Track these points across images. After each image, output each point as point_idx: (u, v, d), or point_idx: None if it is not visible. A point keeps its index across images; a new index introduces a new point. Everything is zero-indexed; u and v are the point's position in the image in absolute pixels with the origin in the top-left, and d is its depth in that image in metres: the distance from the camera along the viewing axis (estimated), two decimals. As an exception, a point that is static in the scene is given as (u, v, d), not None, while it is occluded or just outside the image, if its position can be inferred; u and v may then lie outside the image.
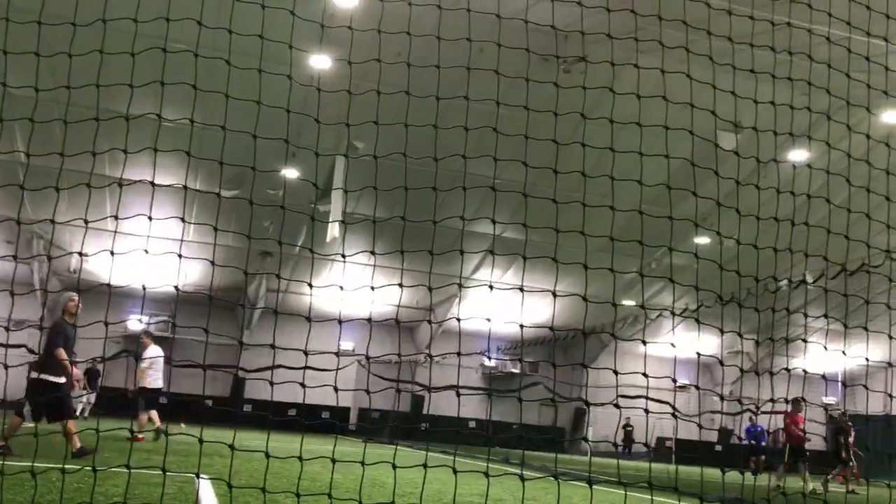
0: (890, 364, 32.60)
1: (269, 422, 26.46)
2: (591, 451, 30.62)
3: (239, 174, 20.38)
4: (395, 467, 5.18)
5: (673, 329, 32.37)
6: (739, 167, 10.04)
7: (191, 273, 28.81)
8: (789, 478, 15.69)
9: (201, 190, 21.49)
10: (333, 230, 21.30)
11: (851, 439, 17.92)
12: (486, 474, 5.02)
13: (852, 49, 8.28)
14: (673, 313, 29.15)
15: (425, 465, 5.21)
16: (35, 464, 4.64)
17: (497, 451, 21.69)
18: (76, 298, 10.14)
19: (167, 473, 4.82)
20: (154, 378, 14.73)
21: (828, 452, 17.46)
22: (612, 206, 6.29)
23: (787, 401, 18.29)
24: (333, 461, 4.98)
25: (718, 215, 8.19)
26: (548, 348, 33.82)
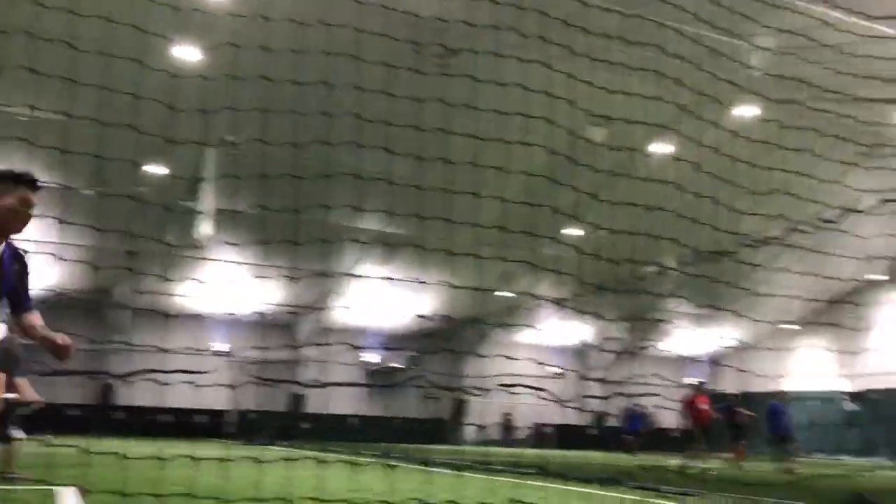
0: (751, 345, 34.60)
1: (140, 427, 25.35)
2: (469, 440, 31.06)
3: (102, 170, 19.33)
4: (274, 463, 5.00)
5: (547, 318, 33.23)
6: (607, 160, 10.30)
7: (53, 275, 27.17)
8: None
9: (59, 185, 20.29)
10: (205, 227, 20.58)
11: (743, 419, 18.64)
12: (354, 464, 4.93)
13: (713, 47, 8.67)
14: (547, 302, 29.92)
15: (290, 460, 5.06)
16: None
17: (379, 445, 21.60)
18: None
19: (27, 486, 4.48)
20: None
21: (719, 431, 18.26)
22: (477, 193, 6.32)
23: (691, 386, 19.11)
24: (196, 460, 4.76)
25: (591, 206, 8.38)
26: (429, 341, 33.99)
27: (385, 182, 5.22)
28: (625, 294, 25.17)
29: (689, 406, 17.70)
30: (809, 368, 32.55)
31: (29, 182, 3.84)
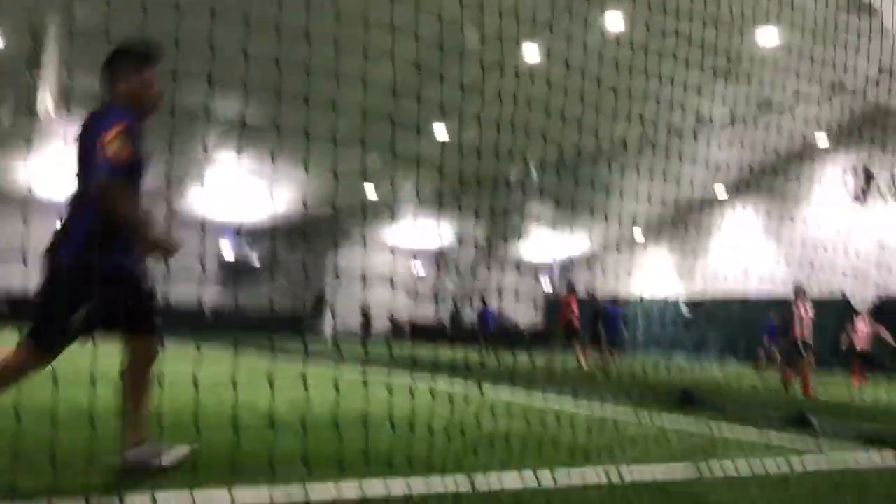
0: (602, 251, 36.09)
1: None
2: (327, 335, 31.26)
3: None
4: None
5: (409, 218, 33.40)
6: (480, 61, 10.16)
7: None
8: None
9: None
10: (47, 102, 19.03)
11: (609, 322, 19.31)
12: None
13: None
14: (410, 201, 30.04)
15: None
16: None
17: (243, 336, 21.32)
18: None
19: None
20: None
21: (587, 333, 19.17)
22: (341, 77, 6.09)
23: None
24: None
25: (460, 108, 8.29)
26: (292, 236, 33.51)
27: (243, 60, 4.86)
28: (485, 196, 25.56)
29: (565, 306, 18.53)
30: (655, 275, 34.58)
31: (146, 57, 3.74)
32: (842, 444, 6.28)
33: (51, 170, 25.94)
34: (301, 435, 4.13)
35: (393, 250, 33.96)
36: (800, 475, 4.83)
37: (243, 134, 22.89)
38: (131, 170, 3.42)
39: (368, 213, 31.86)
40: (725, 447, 5.74)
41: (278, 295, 32.88)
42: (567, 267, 39.58)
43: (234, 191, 28.51)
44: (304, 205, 28.91)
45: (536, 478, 4.00)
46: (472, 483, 3.80)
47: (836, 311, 26.77)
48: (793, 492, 4.34)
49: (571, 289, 19.79)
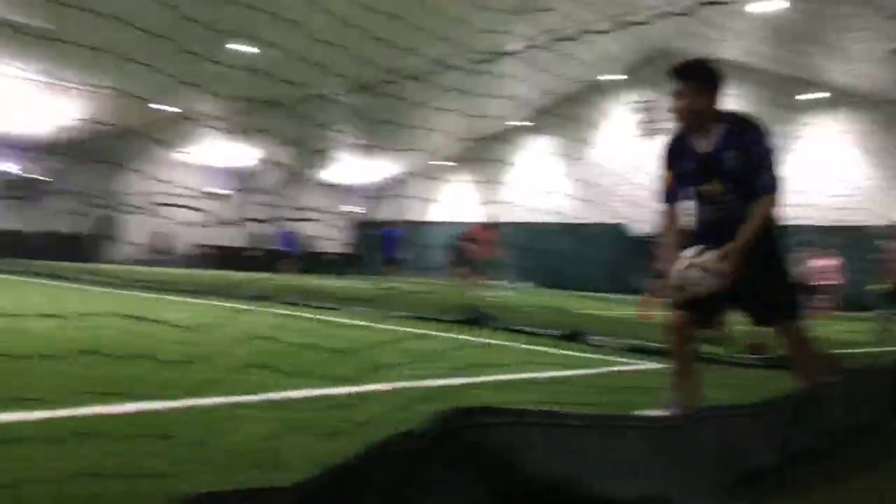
0: (408, 176, 36.65)
1: None
2: (116, 259, 29.69)
3: None
4: None
5: (212, 138, 32.06)
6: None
7: None
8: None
9: None
10: None
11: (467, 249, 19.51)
12: None
13: None
14: (211, 120, 28.79)
15: None
16: None
17: (18, 261, 19.80)
18: None
19: None
20: None
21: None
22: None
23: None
24: None
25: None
26: (76, 151, 31.08)
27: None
28: (291, 118, 25.02)
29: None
30: (457, 200, 35.62)
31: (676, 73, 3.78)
32: (610, 354, 6.99)
33: None
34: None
35: (196, 171, 32.57)
36: (567, 378, 5.36)
37: (23, 39, 20.74)
38: None
39: (169, 133, 30.17)
40: (500, 358, 6.21)
41: (64, 216, 30.63)
42: (379, 191, 39.82)
43: (15, 101, 26.03)
44: (90, 120, 26.88)
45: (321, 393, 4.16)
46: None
47: (613, 238, 29.10)
48: (558, 389, 4.81)
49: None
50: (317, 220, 32.03)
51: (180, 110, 27.96)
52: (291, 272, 24.40)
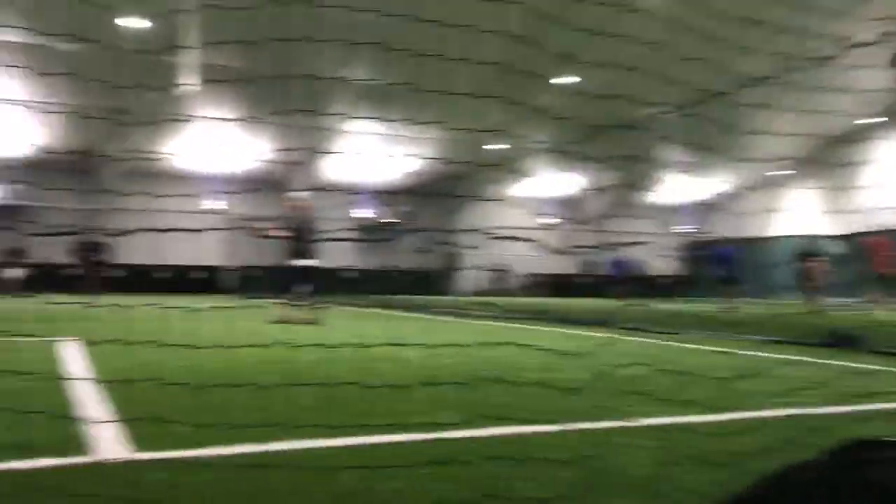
0: (743, 191, 34.69)
1: (139, 285, 25.81)
2: (462, 291, 31.73)
3: (81, 24, 18.58)
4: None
5: (539, 169, 33.15)
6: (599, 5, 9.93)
7: (37, 137, 26.73)
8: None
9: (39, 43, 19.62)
10: (188, 82, 20.08)
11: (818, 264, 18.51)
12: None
13: None
14: (540, 151, 29.79)
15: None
16: None
17: (376, 297, 22.08)
18: None
19: (28, 339, 4.60)
20: None
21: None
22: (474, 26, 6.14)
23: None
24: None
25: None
26: (420, 196, 34.07)
27: (376, 25, 4.98)
28: (617, 140, 25.02)
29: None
30: (799, 212, 32.84)
31: None
32: None
33: (192, 146, 27.45)
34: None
35: (525, 203, 33.90)
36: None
37: (373, 97, 23.35)
38: None
39: (501, 169, 31.86)
40: (886, 384, 5.51)
41: (414, 254, 33.61)
42: (710, 208, 38.25)
43: (367, 154, 29.25)
44: (435, 163, 29.28)
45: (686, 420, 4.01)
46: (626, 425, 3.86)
47: None
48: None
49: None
50: (646, 243, 31.47)
51: (510, 146, 29.38)
52: (623, 297, 24.19)
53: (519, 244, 22.97)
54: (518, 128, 26.47)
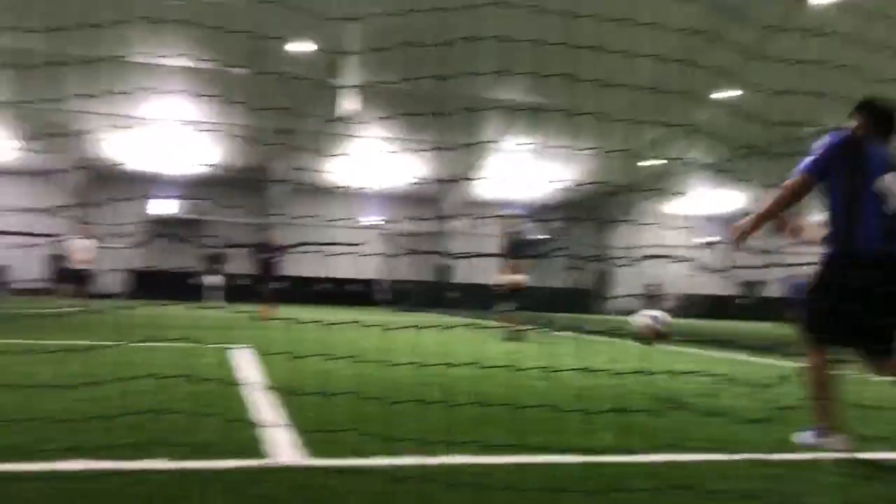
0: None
1: (302, 296, 27.05)
2: (614, 311, 31.11)
3: (251, 49, 19.88)
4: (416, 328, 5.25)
5: (696, 186, 32.08)
6: (762, 18, 9.56)
7: (209, 155, 28.73)
8: None
9: (210, 68, 21.10)
10: (351, 101, 20.95)
11: None
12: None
13: None
14: (698, 169, 28.83)
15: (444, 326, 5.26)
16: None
17: (523, 314, 22.03)
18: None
19: (205, 345, 4.93)
20: None
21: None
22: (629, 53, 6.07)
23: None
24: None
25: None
26: (571, 213, 33.80)
27: (531, 47, 5.02)
28: (780, 158, 23.82)
29: None
30: None
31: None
32: None
33: (354, 166, 28.55)
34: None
35: (682, 221, 32.90)
36: None
37: (531, 116, 23.50)
38: None
39: (656, 186, 31.13)
40: None
41: (565, 272, 33.36)
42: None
43: (521, 171, 29.38)
44: (586, 182, 28.99)
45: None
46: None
47: None
48: None
49: None
50: (812, 263, 29.62)
51: (666, 162, 28.64)
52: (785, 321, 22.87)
53: (674, 264, 22.29)
54: (673, 144, 25.78)
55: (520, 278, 12.42)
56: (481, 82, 21.11)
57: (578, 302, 32.05)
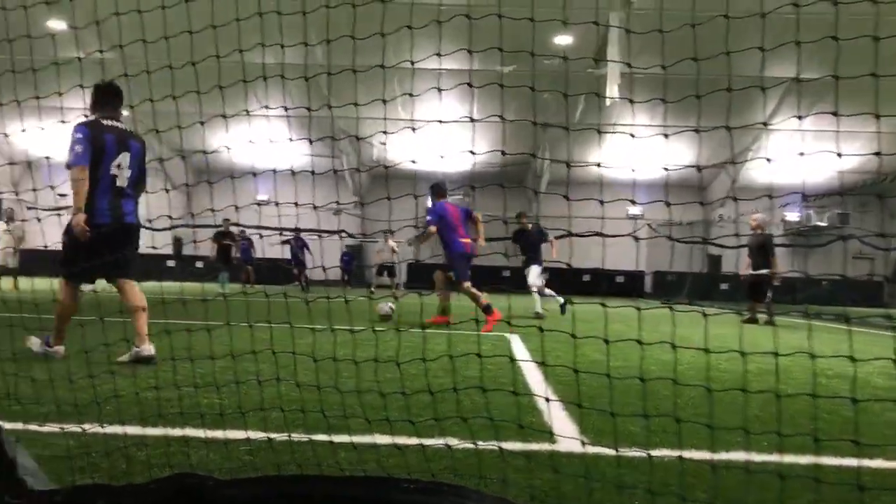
0: None
1: (567, 286, 27.22)
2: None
3: (513, 49, 20.27)
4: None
5: None
6: None
7: (478, 151, 29.80)
8: None
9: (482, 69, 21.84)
10: (612, 91, 20.71)
11: None
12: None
13: None
14: None
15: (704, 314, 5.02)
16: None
17: (808, 307, 20.45)
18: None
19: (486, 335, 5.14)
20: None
21: None
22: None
23: None
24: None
25: None
26: (859, 198, 30.75)
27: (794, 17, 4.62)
28: None
29: None
30: None
31: None
32: None
33: (617, 154, 28.20)
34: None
35: None
36: None
37: (804, 94, 21.77)
38: None
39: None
40: None
41: (851, 261, 30.46)
42: None
43: (795, 153, 27.29)
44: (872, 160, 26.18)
45: None
46: None
47: None
48: None
49: None
50: None
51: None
52: None
53: None
54: None
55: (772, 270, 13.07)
56: (745, 58, 19.91)
57: (870, 294, 29.10)
